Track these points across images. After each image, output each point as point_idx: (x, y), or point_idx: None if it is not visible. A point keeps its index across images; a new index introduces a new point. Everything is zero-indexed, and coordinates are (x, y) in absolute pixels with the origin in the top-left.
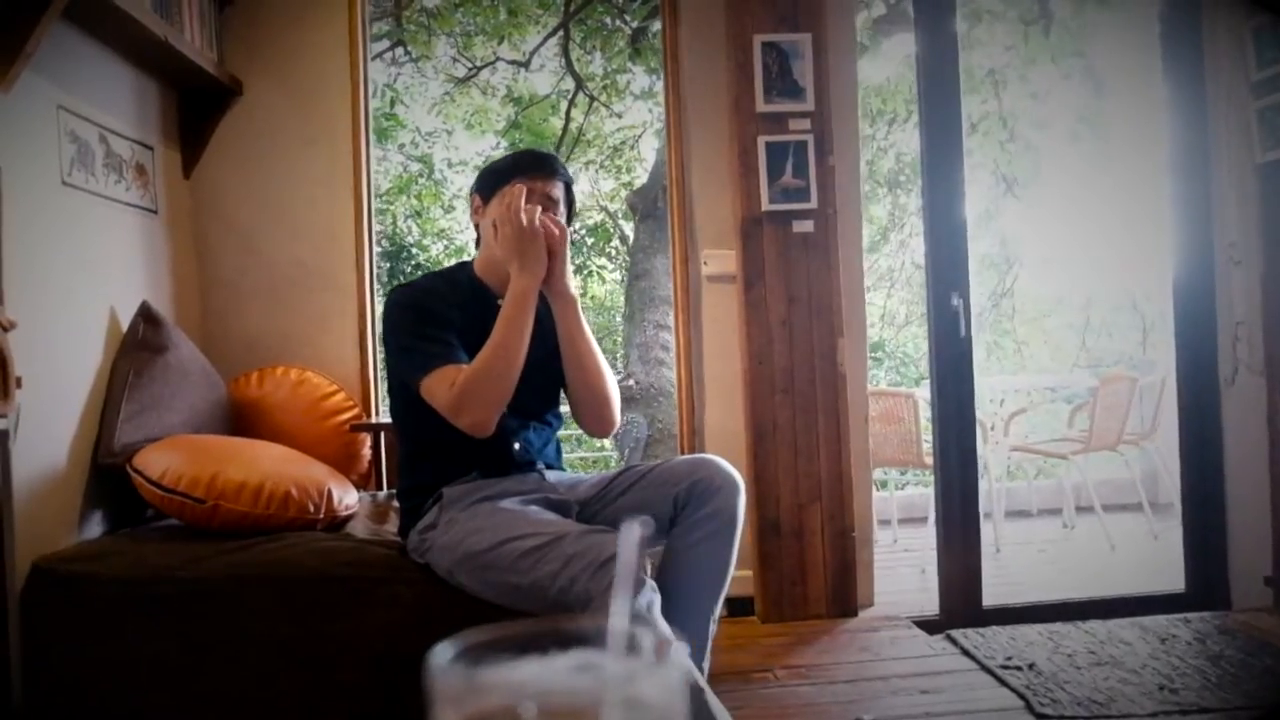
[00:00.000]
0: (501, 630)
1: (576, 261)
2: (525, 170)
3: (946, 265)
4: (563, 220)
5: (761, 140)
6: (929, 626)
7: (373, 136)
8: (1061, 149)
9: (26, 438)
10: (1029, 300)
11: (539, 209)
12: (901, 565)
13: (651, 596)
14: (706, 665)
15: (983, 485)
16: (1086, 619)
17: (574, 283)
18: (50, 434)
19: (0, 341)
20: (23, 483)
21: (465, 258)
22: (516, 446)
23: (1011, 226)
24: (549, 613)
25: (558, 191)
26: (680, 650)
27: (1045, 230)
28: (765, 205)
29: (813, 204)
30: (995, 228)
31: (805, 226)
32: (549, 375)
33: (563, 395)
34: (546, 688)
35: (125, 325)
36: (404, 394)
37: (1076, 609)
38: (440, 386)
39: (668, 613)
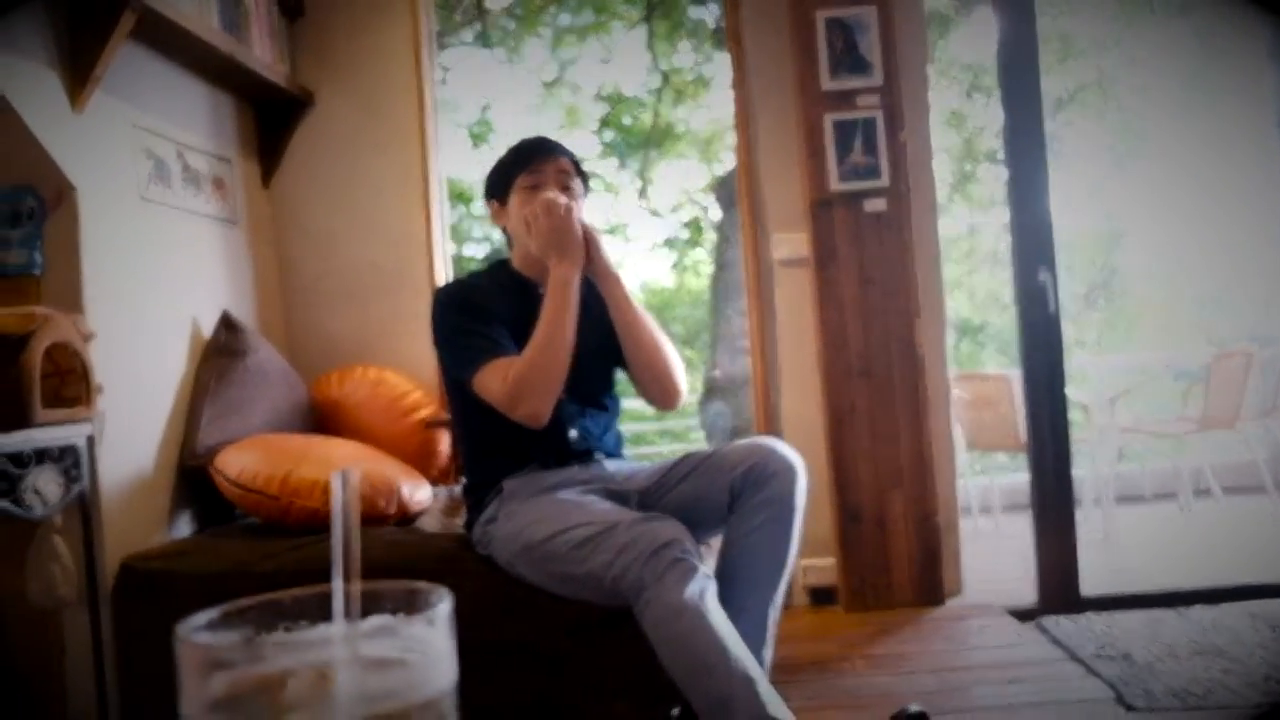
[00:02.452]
0: (266, 599)
1: (672, 257)
2: (529, 159)
3: (1032, 239)
4: (580, 189)
5: (828, 119)
6: (1024, 615)
7: (469, 140)
8: (1170, 114)
9: (114, 442)
10: (1141, 275)
11: (568, 200)
12: (1004, 553)
13: (705, 584)
14: (769, 654)
15: (1089, 469)
16: (1192, 606)
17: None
18: (137, 438)
19: (81, 351)
20: (111, 485)
21: None
22: (574, 434)
23: (1120, 198)
24: (606, 602)
25: (567, 164)
26: (444, 597)
27: (1157, 200)
28: (834, 185)
29: (884, 181)
30: (1102, 200)
31: (877, 205)
32: (602, 359)
33: (620, 379)
34: (304, 653)
35: (208, 332)
36: (460, 392)
37: (1182, 596)
38: (493, 380)
39: (726, 600)
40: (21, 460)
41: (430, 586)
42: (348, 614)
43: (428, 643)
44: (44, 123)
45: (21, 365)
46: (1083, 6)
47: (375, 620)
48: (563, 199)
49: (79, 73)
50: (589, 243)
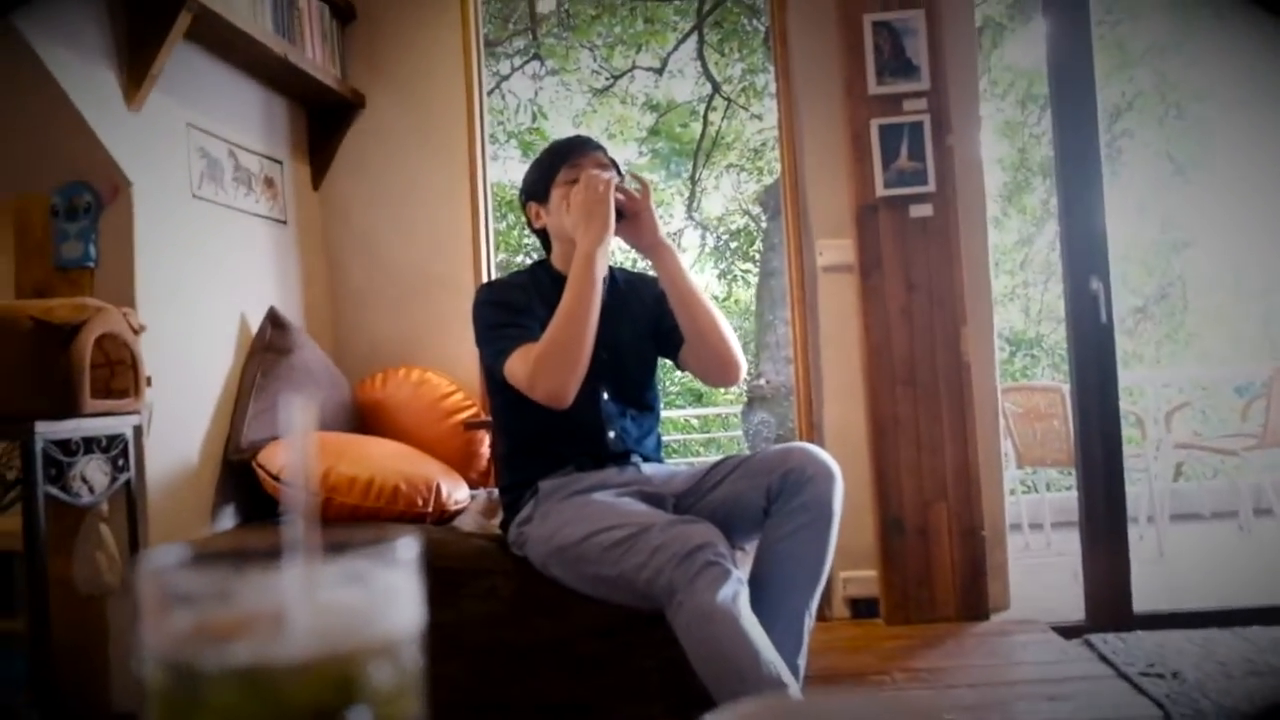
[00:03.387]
0: (239, 544)
1: (720, 266)
2: (567, 156)
3: (1083, 246)
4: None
5: (874, 123)
6: (1073, 632)
7: (517, 150)
8: (1235, 121)
9: (161, 435)
10: (1202, 287)
11: (609, 177)
12: (1055, 569)
13: (738, 588)
14: (802, 662)
15: (1142, 486)
16: (1249, 626)
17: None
18: (184, 431)
19: (131, 343)
20: (157, 475)
21: None
22: (611, 435)
23: (1180, 208)
24: (639, 604)
25: (604, 158)
26: (408, 545)
27: (1219, 209)
28: (880, 190)
29: (931, 187)
30: (1161, 209)
31: (924, 211)
32: (641, 358)
33: (662, 377)
34: (262, 592)
35: (255, 329)
36: (500, 392)
37: (1239, 616)
38: (518, 363)
39: (760, 605)
40: (70, 448)
41: (399, 537)
42: (305, 555)
43: (390, 587)
44: (101, 119)
45: (71, 355)
46: (1142, 10)
47: (338, 564)
48: (605, 175)
49: (136, 71)
50: (640, 212)
